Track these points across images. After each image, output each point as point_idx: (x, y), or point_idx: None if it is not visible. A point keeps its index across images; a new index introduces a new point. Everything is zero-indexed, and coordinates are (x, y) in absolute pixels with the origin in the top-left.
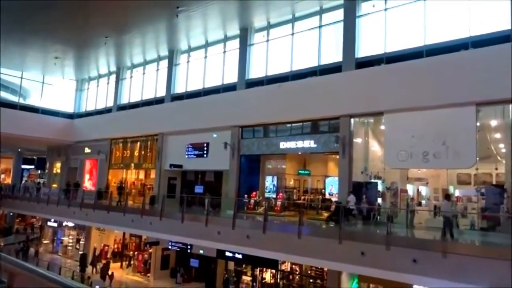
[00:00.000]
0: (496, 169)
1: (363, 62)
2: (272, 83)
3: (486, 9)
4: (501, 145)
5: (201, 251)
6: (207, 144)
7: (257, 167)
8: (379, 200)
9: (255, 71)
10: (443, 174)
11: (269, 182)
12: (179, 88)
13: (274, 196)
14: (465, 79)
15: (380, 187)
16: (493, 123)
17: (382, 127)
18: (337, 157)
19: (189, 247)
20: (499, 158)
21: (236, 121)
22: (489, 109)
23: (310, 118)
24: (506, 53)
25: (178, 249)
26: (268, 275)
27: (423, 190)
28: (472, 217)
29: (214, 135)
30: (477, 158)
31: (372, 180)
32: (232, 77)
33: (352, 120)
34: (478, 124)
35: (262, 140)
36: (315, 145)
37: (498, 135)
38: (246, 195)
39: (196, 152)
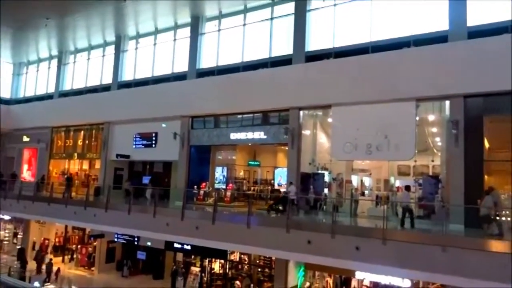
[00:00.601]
0: (433, 161)
1: (312, 56)
2: (223, 74)
3: (427, 9)
4: (438, 139)
5: (149, 243)
6: (156, 134)
7: (207, 158)
8: (326, 190)
9: (206, 61)
10: (385, 165)
11: (219, 173)
12: (126, 76)
13: (224, 187)
14: (407, 76)
15: (326, 178)
16: (431, 118)
17: (330, 119)
18: (286, 148)
19: (136, 239)
20: (435, 150)
21: (186, 111)
22: (428, 104)
23: (261, 109)
24: (444, 52)
25: (125, 242)
26: (217, 266)
27: (367, 181)
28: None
29: (163, 125)
30: (416, 151)
31: (319, 171)
32: (182, 66)
33: (301, 112)
34: (417, 118)
35: (212, 131)
36: (265, 137)
37: (435, 129)
38: (195, 186)
39: (144, 142)
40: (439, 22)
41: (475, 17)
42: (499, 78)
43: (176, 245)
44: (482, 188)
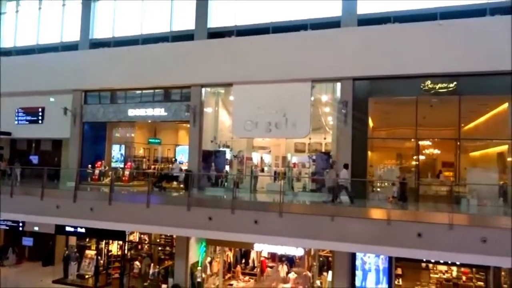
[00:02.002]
0: (325, 138)
1: (215, 33)
2: (120, 46)
3: None
4: (330, 118)
5: (36, 228)
6: (43, 109)
7: (103, 135)
8: (227, 167)
9: (101, 31)
10: (283, 143)
11: (117, 151)
12: (5, 42)
13: (122, 165)
14: (303, 58)
15: (228, 155)
16: (324, 98)
17: (231, 97)
18: (188, 126)
19: (20, 224)
20: (327, 129)
21: (78, 85)
22: (322, 86)
23: (162, 85)
24: (336, 37)
25: (7, 228)
26: (114, 247)
27: (266, 158)
28: (304, 181)
29: (52, 99)
30: (311, 129)
31: (221, 149)
32: (73, 36)
33: (203, 89)
34: (312, 99)
35: (108, 107)
36: (166, 114)
37: (327, 109)
38: (90, 165)
39: (29, 118)
40: (333, 8)
41: (365, 6)
42: (383, 64)
43: (68, 228)
44: (366, 163)
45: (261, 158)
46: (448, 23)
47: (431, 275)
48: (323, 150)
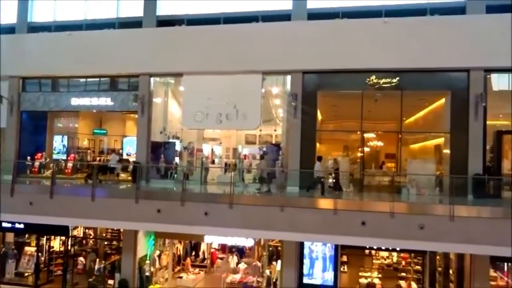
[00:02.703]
0: (275, 130)
1: (164, 21)
2: (63, 31)
3: None
4: (280, 110)
5: None
6: None
7: (44, 126)
8: (177, 159)
9: (40, 14)
10: (234, 134)
11: (59, 142)
12: None
13: (65, 157)
14: (255, 49)
15: (178, 147)
16: (275, 90)
17: (181, 88)
18: (136, 116)
19: None
20: (278, 121)
21: (15, 71)
22: (273, 78)
23: (108, 74)
24: (286, 30)
25: None
26: (57, 243)
27: (217, 149)
28: (255, 172)
29: None
30: (261, 121)
31: (171, 140)
32: (9, 18)
33: (152, 79)
34: (263, 90)
35: (49, 95)
36: (113, 103)
37: (278, 101)
38: (29, 157)
39: None
40: (284, 2)
41: (315, 1)
42: (331, 58)
43: (4, 224)
44: (315, 154)
45: (212, 149)
46: (392, 20)
47: (374, 261)
48: (273, 142)
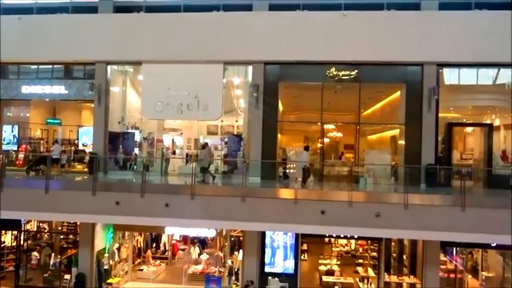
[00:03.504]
0: (237, 121)
1: (121, 7)
2: (8, 14)
3: None
4: (242, 101)
5: None
6: None
7: None
8: (136, 150)
9: None
10: (195, 125)
11: (8, 132)
12: None
13: (16, 148)
14: (216, 39)
15: (137, 137)
16: (236, 81)
17: (140, 77)
18: (93, 106)
19: None
20: (239, 112)
21: None
22: (234, 68)
23: (62, 61)
24: (248, 21)
25: None
26: (8, 238)
27: (178, 140)
28: (216, 163)
29: None
30: (223, 111)
31: (130, 130)
32: None
33: (109, 67)
34: (224, 81)
35: None
36: (67, 92)
37: (239, 92)
38: None
39: None
40: None
41: None
42: (292, 50)
43: None
44: (276, 145)
45: (173, 140)
46: (351, 14)
47: (333, 248)
48: (235, 133)
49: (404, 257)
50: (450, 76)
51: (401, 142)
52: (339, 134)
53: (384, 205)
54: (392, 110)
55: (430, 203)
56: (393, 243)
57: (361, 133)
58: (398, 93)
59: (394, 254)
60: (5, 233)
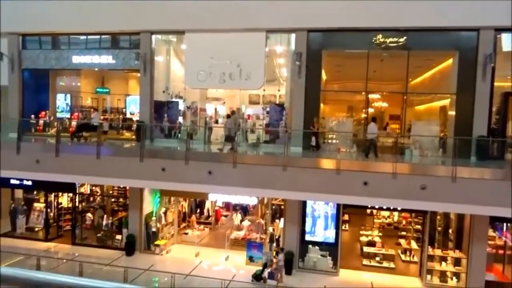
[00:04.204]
0: (279, 90)
1: None
2: None
3: None
4: (284, 70)
5: None
6: None
7: (46, 84)
8: (180, 118)
9: None
10: (237, 94)
11: (62, 100)
12: None
13: (68, 116)
14: (258, 7)
15: (181, 106)
16: (279, 49)
17: (184, 46)
18: (138, 75)
19: None
20: (281, 81)
21: (13, 27)
22: (277, 36)
23: (109, 31)
24: None
25: None
26: (65, 200)
27: (220, 109)
28: (258, 132)
29: None
30: (265, 80)
31: (174, 100)
32: None
33: (153, 37)
34: (267, 49)
35: (50, 53)
36: (114, 62)
37: (282, 61)
38: (33, 116)
39: None
40: None
41: None
42: (337, 16)
43: (13, 181)
44: (319, 115)
45: (215, 109)
46: None
47: (375, 220)
48: (277, 102)
49: (450, 231)
50: (508, 42)
51: (451, 112)
52: (385, 104)
53: (431, 177)
54: (442, 79)
55: (480, 177)
56: (438, 217)
57: (408, 103)
58: (449, 61)
59: (439, 228)
60: (62, 195)
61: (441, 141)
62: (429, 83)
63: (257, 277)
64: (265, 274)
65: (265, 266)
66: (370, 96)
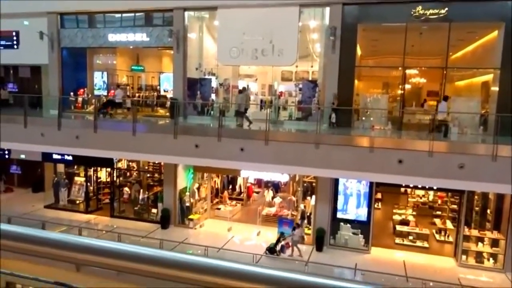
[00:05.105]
0: (312, 66)
1: None
2: None
3: None
4: (317, 45)
5: (23, 156)
6: (17, 32)
7: (84, 62)
8: (213, 95)
9: None
10: (270, 71)
11: (99, 78)
12: None
13: (105, 93)
14: None
15: (214, 83)
16: (312, 24)
17: (216, 23)
18: (172, 52)
19: (6, 152)
20: (315, 56)
21: (52, 6)
22: (310, 11)
23: (142, 8)
24: None
25: None
26: (103, 174)
27: (253, 86)
28: (290, 109)
29: (26, 23)
30: (298, 56)
31: (206, 77)
32: None
33: (186, 13)
34: (300, 24)
35: (87, 31)
36: (148, 39)
37: (315, 36)
38: (72, 93)
39: (3, 43)
40: None
41: None
42: None
43: (55, 156)
44: (352, 91)
45: (248, 86)
46: None
47: (409, 199)
48: (310, 78)
49: (488, 211)
50: None
51: (494, 88)
52: (422, 80)
53: (470, 156)
54: (485, 53)
55: None
56: (476, 196)
57: (447, 79)
58: (494, 33)
59: (477, 208)
60: (101, 170)
61: (481, 118)
62: (471, 57)
63: (271, 250)
64: (278, 247)
65: (278, 240)
66: (407, 71)
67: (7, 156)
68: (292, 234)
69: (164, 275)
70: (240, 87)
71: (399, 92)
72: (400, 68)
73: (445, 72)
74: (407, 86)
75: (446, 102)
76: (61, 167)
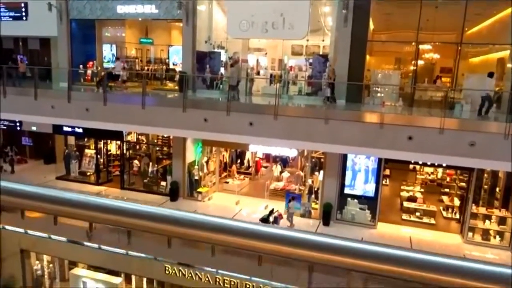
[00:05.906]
0: (323, 40)
1: None
2: None
3: None
4: (329, 19)
5: (34, 128)
6: (26, 4)
7: (92, 34)
8: (222, 69)
9: None
10: (280, 45)
11: (108, 51)
12: None
13: (114, 66)
14: None
15: (223, 57)
16: None
17: None
18: (181, 25)
19: (18, 124)
20: (326, 30)
21: None
22: None
23: None
24: None
25: (5, 127)
26: (113, 147)
27: (262, 60)
28: (300, 84)
29: None
30: (309, 30)
31: (216, 50)
32: None
33: None
34: None
35: (95, 3)
36: (157, 11)
37: (327, 9)
38: (81, 66)
39: (12, 14)
40: None
41: None
42: None
43: (65, 128)
44: (364, 67)
45: (257, 60)
46: None
47: (417, 176)
48: (320, 53)
49: (497, 189)
50: None
51: (510, 65)
52: (436, 56)
53: (481, 134)
54: (503, 28)
55: None
56: (485, 175)
57: (462, 55)
58: None
59: (486, 186)
60: (111, 143)
61: (495, 96)
62: (487, 33)
63: (265, 221)
64: (272, 218)
65: (271, 212)
66: (421, 47)
67: (18, 128)
68: (289, 207)
69: (176, 233)
70: (233, 61)
71: (411, 68)
72: (413, 43)
73: (459, 48)
74: (420, 62)
75: (492, 79)
76: (71, 140)
